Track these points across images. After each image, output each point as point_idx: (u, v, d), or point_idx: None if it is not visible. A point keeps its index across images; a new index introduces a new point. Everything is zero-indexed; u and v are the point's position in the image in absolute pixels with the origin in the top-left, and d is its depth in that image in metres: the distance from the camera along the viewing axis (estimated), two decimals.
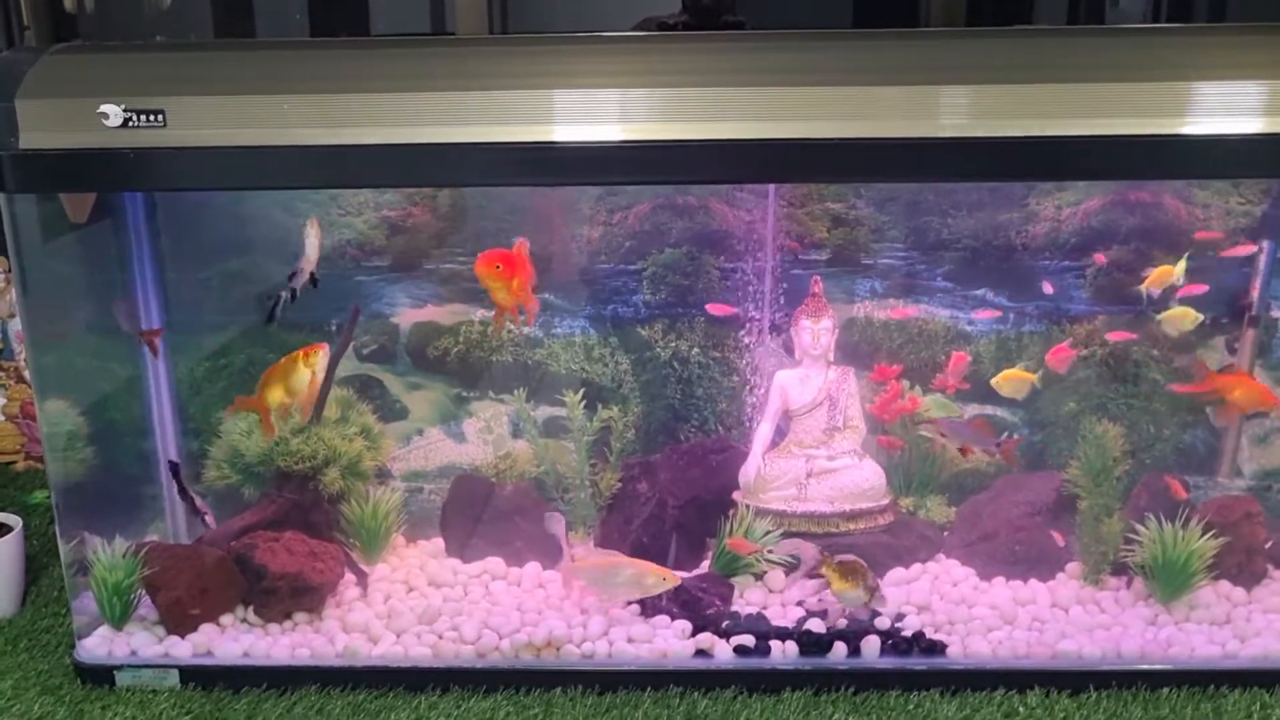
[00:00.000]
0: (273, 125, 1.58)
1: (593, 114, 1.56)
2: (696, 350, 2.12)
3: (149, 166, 1.60)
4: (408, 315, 2.15)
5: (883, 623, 1.84)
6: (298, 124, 1.57)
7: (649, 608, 1.89)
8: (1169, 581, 1.86)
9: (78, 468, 1.98)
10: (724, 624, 1.86)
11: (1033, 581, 1.95)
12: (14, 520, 2.10)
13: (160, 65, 1.66)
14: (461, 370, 2.16)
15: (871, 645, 1.81)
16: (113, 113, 1.57)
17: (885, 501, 2.01)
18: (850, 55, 1.65)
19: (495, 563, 2.05)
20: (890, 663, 1.80)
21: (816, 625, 1.84)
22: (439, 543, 2.13)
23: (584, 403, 2.07)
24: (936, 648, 1.80)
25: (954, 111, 1.56)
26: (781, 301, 2.06)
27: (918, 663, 1.80)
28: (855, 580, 1.77)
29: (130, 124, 1.58)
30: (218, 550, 1.91)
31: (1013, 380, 2.00)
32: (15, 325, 2.70)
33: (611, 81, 1.61)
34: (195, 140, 1.59)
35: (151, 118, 1.58)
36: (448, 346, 2.15)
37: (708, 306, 2.05)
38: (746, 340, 2.09)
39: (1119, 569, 1.92)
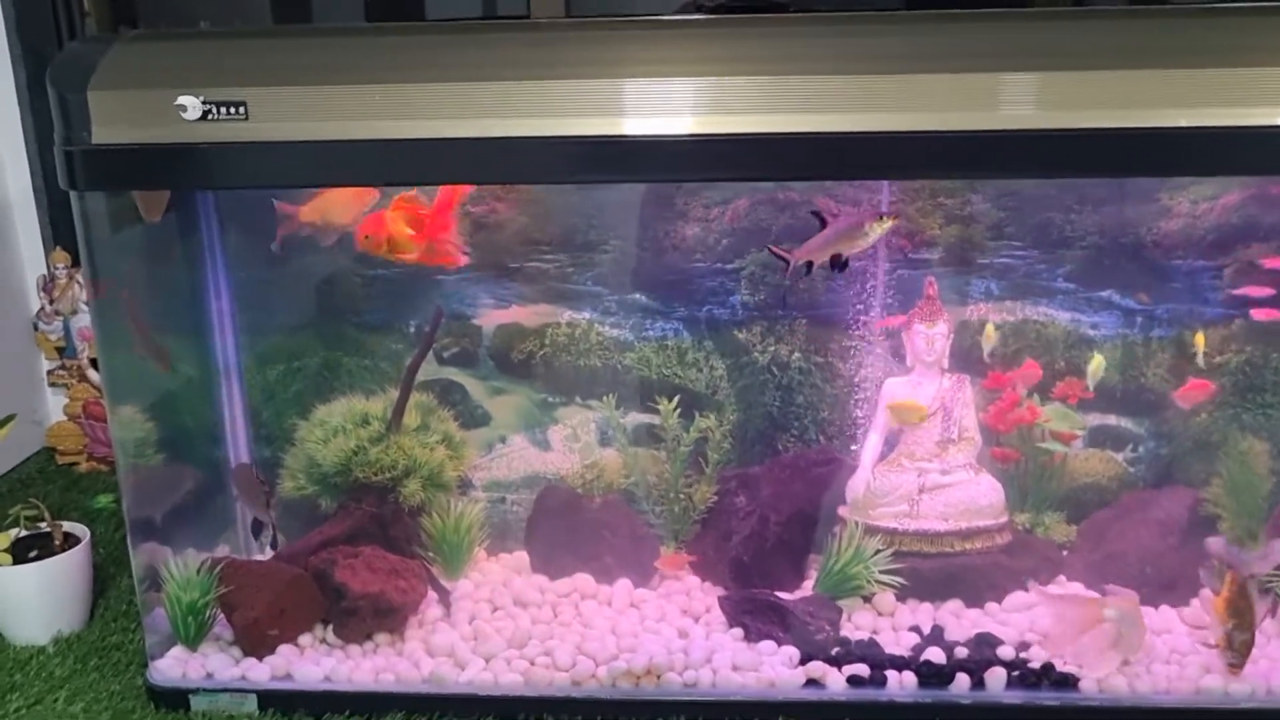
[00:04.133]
0: (362, 118, 1.46)
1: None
2: (798, 355, 1.98)
3: (230, 162, 1.49)
4: (491, 316, 2.04)
5: (1006, 653, 1.71)
6: (389, 116, 1.45)
7: (753, 632, 1.77)
8: None
9: (149, 476, 1.89)
10: (834, 651, 1.73)
11: (1164, 608, 1.81)
12: (81, 530, 2.01)
13: (239, 53, 1.54)
14: (547, 375, 2.04)
15: (997, 678, 1.68)
16: (191, 105, 1.46)
17: (1003, 519, 1.87)
18: (964, 38, 1.50)
19: (584, 580, 1.94)
20: (1018, 697, 1.67)
21: (936, 655, 1.71)
22: (522, 557, 2.02)
23: (678, 410, 1.94)
24: (1068, 681, 1.67)
25: (1058, 99, 1.42)
26: (891, 303, 1.92)
27: (1048, 697, 1.66)
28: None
29: (210, 117, 1.47)
30: (295, 568, 1.81)
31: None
32: (78, 322, 2.62)
33: (701, 69, 1.48)
34: (279, 134, 1.47)
35: (232, 110, 1.46)
36: (533, 349, 2.03)
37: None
38: (852, 345, 1.95)
39: (1263, 595, 1.77)
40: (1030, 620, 1.78)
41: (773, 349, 1.99)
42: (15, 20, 2.50)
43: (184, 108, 1.46)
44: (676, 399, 1.94)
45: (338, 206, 1.73)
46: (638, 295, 2.01)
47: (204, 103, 1.46)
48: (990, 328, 1.88)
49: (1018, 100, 1.44)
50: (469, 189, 1.78)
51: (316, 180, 1.53)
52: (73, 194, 1.56)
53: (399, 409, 1.95)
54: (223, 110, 1.46)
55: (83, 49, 1.56)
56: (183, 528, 1.93)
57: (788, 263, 1.68)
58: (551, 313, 2.02)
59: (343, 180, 1.60)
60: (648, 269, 1.99)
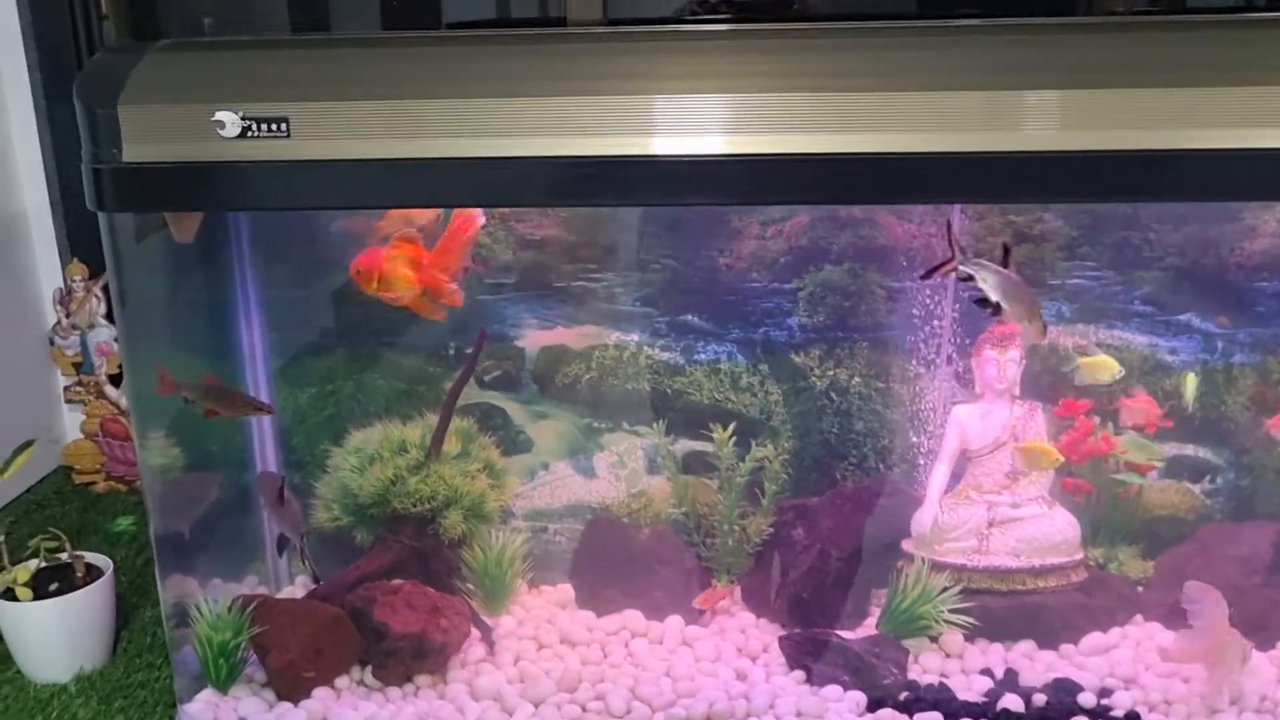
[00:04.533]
0: (413, 135, 1.36)
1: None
2: (858, 380, 1.88)
3: (271, 182, 1.39)
4: (534, 338, 1.94)
5: (1088, 700, 1.61)
6: (442, 133, 1.36)
7: (817, 675, 1.68)
8: None
9: (177, 504, 1.79)
10: (902, 696, 1.64)
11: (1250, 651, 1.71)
12: (104, 562, 1.91)
13: (280, 64, 1.44)
14: (593, 399, 1.94)
15: None
16: (230, 121, 1.37)
17: (1078, 556, 1.77)
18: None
19: (633, 617, 1.84)
20: None
21: (1013, 702, 1.61)
22: (566, 590, 1.92)
23: (733, 438, 1.85)
24: None
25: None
26: (956, 326, 1.82)
27: None
28: None
29: (249, 134, 1.37)
30: (332, 606, 1.72)
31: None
32: (95, 337, 2.52)
33: (755, 84, 1.37)
34: (323, 152, 1.37)
35: (274, 127, 1.37)
36: (578, 373, 1.94)
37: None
38: (916, 369, 1.85)
39: None
40: (1110, 664, 1.68)
41: (832, 373, 1.89)
42: (32, 24, 2.40)
43: (221, 124, 1.37)
44: (731, 426, 1.85)
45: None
46: (689, 316, 1.91)
47: (243, 119, 1.36)
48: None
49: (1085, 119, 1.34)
50: (477, 222, 1.66)
51: (365, 202, 1.43)
52: (101, 214, 1.47)
53: (439, 435, 1.86)
54: (263, 127, 1.37)
55: (111, 60, 1.46)
56: (212, 558, 1.84)
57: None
58: (598, 334, 1.93)
59: (394, 202, 1.50)
60: (700, 289, 1.90)
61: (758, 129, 1.34)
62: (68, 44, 2.44)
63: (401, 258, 1.62)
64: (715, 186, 1.38)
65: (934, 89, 1.33)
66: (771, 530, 1.87)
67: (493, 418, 1.96)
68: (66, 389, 2.60)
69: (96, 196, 1.42)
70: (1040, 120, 1.34)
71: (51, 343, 2.56)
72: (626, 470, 1.96)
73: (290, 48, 1.47)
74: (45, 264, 2.54)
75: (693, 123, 1.34)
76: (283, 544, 1.78)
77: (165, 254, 1.61)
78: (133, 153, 1.39)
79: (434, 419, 1.87)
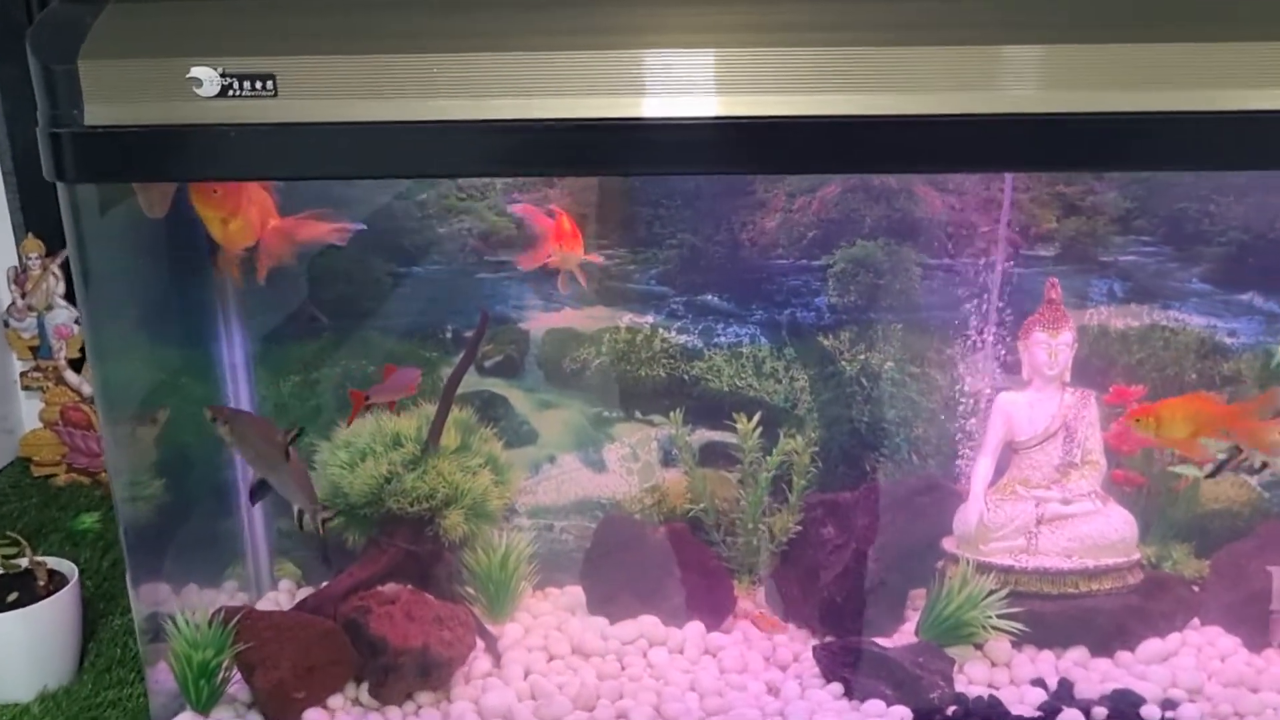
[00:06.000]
0: (417, 94, 1.19)
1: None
2: (891, 365, 1.74)
3: (255, 149, 1.22)
4: (539, 320, 1.78)
5: (1152, 713, 1.49)
6: (451, 92, 1.19)
7: (856, 688, 1.54)
8: None
9: (147, 504, 1.63)
10: (951, 711, 1.51)
11: None
12: (68, 568, 1.74)
13: (265, 12, 1.26)
14: (603, 386, 1.79)
15: None
16: (207, 78, 1.19)
17: (1134, 556, 1.64)
18: None
19: (650, 624, 1.70)
20: None
21: (1073, 717, 1.48)
22: (574, 593, 1.78)
23: (759, 429, 1.70)
24: None
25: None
26: (1002, 306, 1.68)
27: None
28: None
29: (230, 93, 1.20)
30: (324, 619, 1.56)
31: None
32: (54, 319, 2.33)
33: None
34: (315, 114, 1.20)
35: (258, 85, 1.19)
36: (587, 358, 1.78)
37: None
38: (957, 353, 1.71)
39: None
40: (1173, 673, 1.55)
41: (863, 357, 1.75)
42: None
43: (198, 81, 1.19)
44: (756, 416, 1.70)
45: None
46: (709, 296, 1.76)
47: (223, 75, 1.19)
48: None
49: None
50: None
51: (361, 171, 1.26)
52: (60, 186, 1.29)
53: (437, 428, 1.69)
54: (246, 85, 1.19)
55: (69, 9, 1.27)
56: (189, 561, 1.67)
57: None
58: (609, 316, 1.77)
59: (395, 170, 1.33)
60: (721, 266, 1.74)
61: (766, 87, 1.18)
62: (18, 3, 2.24)
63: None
64: (731, 153, 1.23)
65: (978, 42, 1.18)
66: (799, 528, 1.73)
67: (494, 407, 1.80)
68: (23, 375, 2.40)
69: (55, 165, 1.25)
70: (1106, 76, 1.19)
71: (5, 325, 2.37)
72: (639, 463, 1.81)
73: None
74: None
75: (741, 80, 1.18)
76: (257, 493, 1.58)
77: (133, 229, 1.43)
78: (95, 115, 1.22)
79: (431, 409, 1.71)
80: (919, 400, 1.75)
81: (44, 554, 2.00)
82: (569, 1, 1.23)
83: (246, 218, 1.44)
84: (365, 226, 1.53)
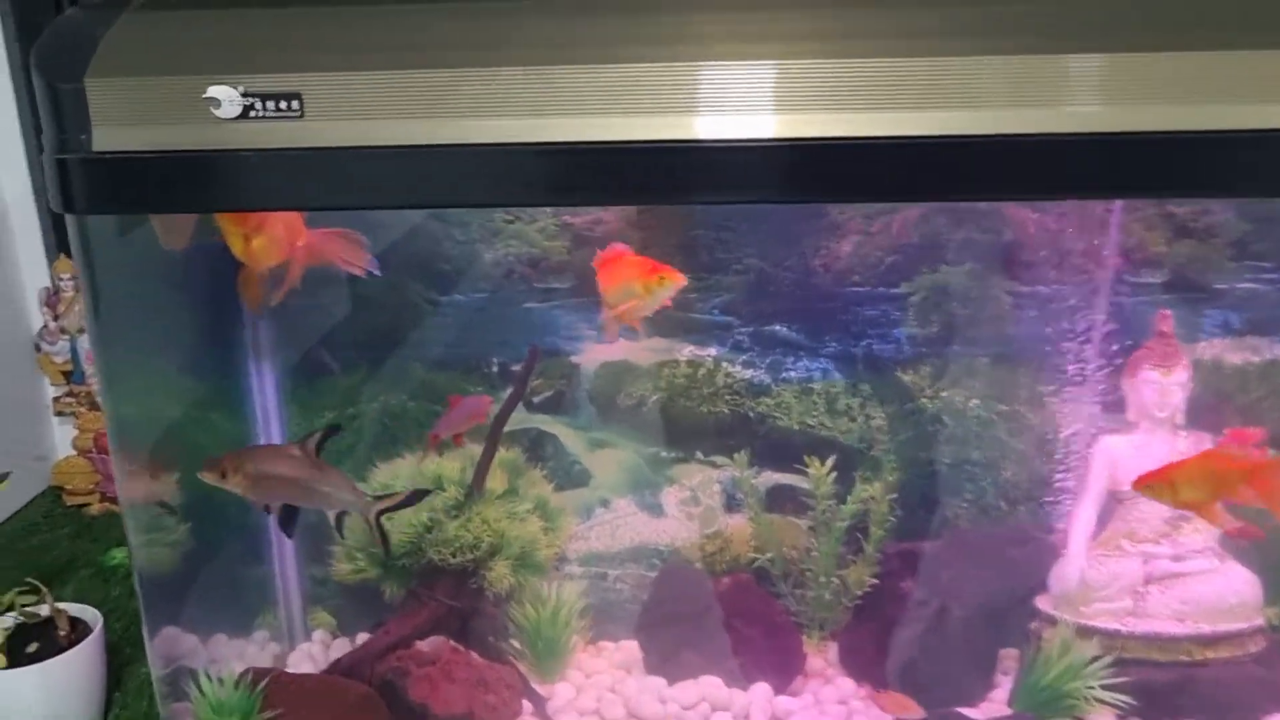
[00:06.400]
0: (462, 114, 1.06)
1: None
2: (978, 402, 1.58)
3: (280, 176, 1.09)
4: (593, 352, 1.64)
5: None
6: (506, 111, 1.06)
7: None
8: None
9: (167, 544, 1.51)
10: None
11: None
12: (91, 615, 1.63)
13: (289, 27, 1.14)
14: (661, 424, 1.65)
15: None
16: (226, 98, 1.07)
17: (1257, 621, 1.47)
18: None
19: (713, 685, 1.55)
20: None
21: None
22: (629, 649, 1.64)
23: (833, 472, 1.55)
24: None
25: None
26: (1105, 339, 1.52)
27: None
28: None
29: (253, 113, 1.07)
30: (359, 684, 1.43)
31: None
32: (87, 342, 2.24)
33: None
34: (345, 137, 1.08)
35: (282, 105, 1.07)
36: (644, 393, 1.64)
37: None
38: (1053, 391, 1.55)
39: None
40: None
41: (946, 394, 1.59)
42: None
43: (216, 101, 1.07)
44: (831, 461, 1.55)
45: None
46: (777, 327, 1.61)
47: (244, 95, 1.07)
48: None
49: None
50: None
51: (399, 200, 1.13)
52: (68, 216, 1.17)
53: (482, 470, 1.57)
54: (270, 105, 1.07)
55: (77, 21, 1.16)
56: (214, 611, 1.56)
57: None
58: (668, 348, 1.63)
59: (437, 200, 1.20)
60: (790, 294, 1.60)
61: (845, 103, 1.03)
62: (48, 8, 2.14)
63: None
64: (802, 179, 1.08)
65: (1091, 50, 1.03)
66: (876, 581, 1.57)
67: (543, 446, 1.67)
68: (55, 400, 2.31)
69: (61, 195, 1.13)
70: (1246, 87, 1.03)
71: (38, 349, 2.28)
72: (701, 508, 1.67)
73: (304, 2, 1.17)
74: (29, 261, 2.25)
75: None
76: (288, 522, 1.41)
77: (151, 260, 1.31)
78: (105, 139, 1.10)
79: (475, 449, 1.58)
80: (1009, 442, 1.59)
81: (73, 590, 1.91)
82: (629, 9, 1.09)
83: (272, 234, 1.32)
84: (379, 273, 1.38)
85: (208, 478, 1.32)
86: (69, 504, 2.31)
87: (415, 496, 1.39)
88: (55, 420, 2.34)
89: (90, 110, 1.09)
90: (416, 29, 1.11)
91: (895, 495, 1.56)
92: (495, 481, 1.58)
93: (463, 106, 1.06)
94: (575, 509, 1.67)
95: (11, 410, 2.25)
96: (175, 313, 1.44)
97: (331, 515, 1.40)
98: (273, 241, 1.26)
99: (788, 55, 1.04)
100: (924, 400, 1.60)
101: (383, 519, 1.36)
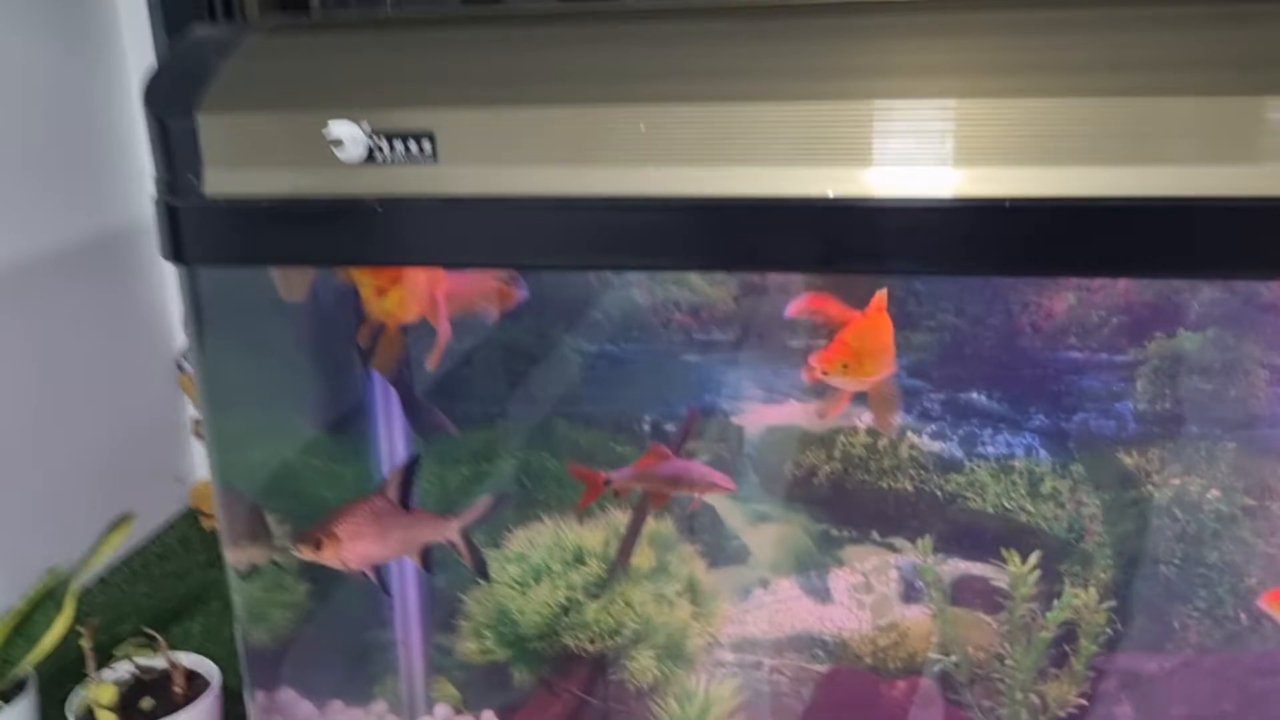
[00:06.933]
0: (623, 161, 0.88)
1: None
2: (1217, 493, 1.33)
3: (411, 228, 0.94)
4: (757, 414, 1.45)
5: None
6: (665, 158, 0.88)
7: None
8: None
9: (281, 615, 1.40)
10: None
11: None
12: (208, 669, 1.53)
13: (418, 51, 0.99)
14: (833, 499, 1.44)
15: None
16: (349, 138, 0.92)
17: None
18: None
19: None
20: None
21: None
22: None
23: (1037, 569, 1.32)
24: None
25: None
26: None
27: None
28: None
29: (379, 157, 0.92)
30: None
31: None
32: None
33: None
34: (486, 185, 0.91)
35: (413, 146, 0.91)
36: (815, 463, 1.44)
37: None
38: None
39: None
40: None
41: (1178, 481, 1.34)
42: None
43: (337, 141, 0.92)
44: (1034, 558, 1.32)
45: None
46: (974, 394, 1.39)
47: (370, 134, 0.92)
48: None
49: None
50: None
51: (548, 259, 0.96)
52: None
53: (628, 545, 1.39)
54: (398, 146, 0.91)
55: (196, 44, 1.03)
56: (323, 676, 1.44)
57: None
58: (845, 413, 1.42)
59: (598, 261, 1.04)
60: (992, 357, 1.37)
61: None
62: (203, 17, 2.06)
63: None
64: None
65: None
66: (1083, 701, 1.34)
67: (698, 518, 1.48)
68: (195, 421, 2.25)
69: (171, 244, 1.00)
70: None
71: (180, 368, 2.22)
72: (873, 596, 1.45)
73: (442, 27, 1.01)
74: (174, 275, 2.18)
75: None
76: (430, 561, 1.35)
77: (268, 310, 1.18)
78: (219, 183, 0.97)
79: (620, 517, 1.41)
80: (1255, 543, 1.32)
81: (201, 626, 1.83)
82: (821, 34, 0.89)
83: (410, 286, 1.18)
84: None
85: (305, 553, 1.20)
86: (207, 528, 2.25)
87: (496, 502, 1.32)
88: (194, 441, 2.28)
89: (203, 149, 0.96)
90: (578, 56, 0.94)
91: (1112, 598, 1.32)
92: (641, 557, 1.40)
93: (629, 152, 0.89)
94: (730, 589, 1.48)
95: (151, 430, 2.20)
96: (294, 366, 1.31)
97: (416, 556, 1.30)
98: (411, 295, 1.11)
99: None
100: (1150, 488, 1.34)
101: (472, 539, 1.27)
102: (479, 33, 0.98)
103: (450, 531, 1.31)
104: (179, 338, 2.21)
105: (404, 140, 0.91)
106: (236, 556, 1.34)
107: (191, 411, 2.25)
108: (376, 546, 1.28)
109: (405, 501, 1.29)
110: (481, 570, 1.38)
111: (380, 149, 0.92)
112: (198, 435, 2.26)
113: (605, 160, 0.89)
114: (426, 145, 0.91)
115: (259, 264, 1.04)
